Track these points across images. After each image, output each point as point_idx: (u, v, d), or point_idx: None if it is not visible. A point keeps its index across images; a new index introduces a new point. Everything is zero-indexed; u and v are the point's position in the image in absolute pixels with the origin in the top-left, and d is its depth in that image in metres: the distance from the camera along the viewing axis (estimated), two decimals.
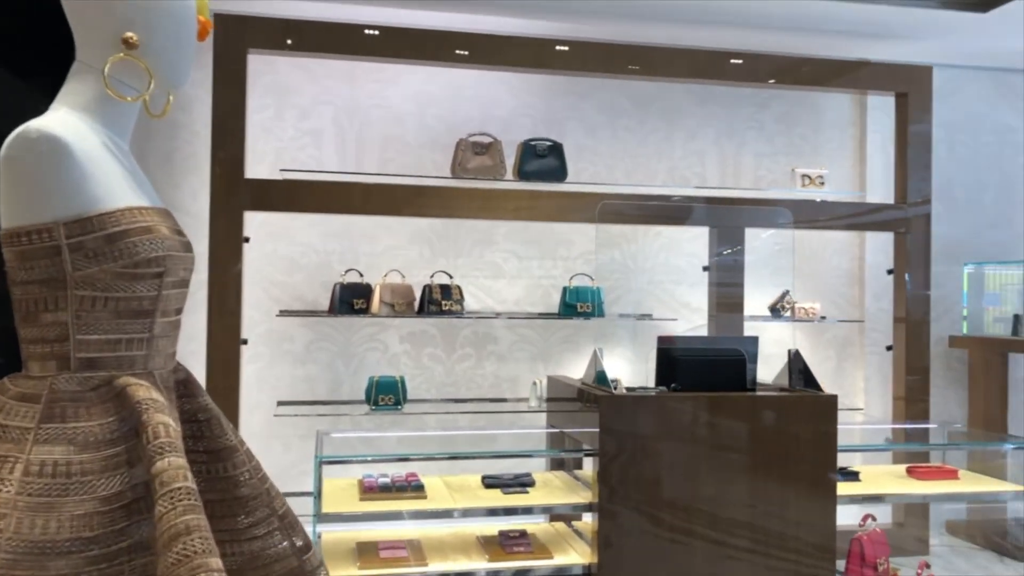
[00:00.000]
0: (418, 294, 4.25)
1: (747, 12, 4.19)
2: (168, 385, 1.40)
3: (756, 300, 4.54)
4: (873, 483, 3.61)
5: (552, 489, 3.34)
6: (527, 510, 3.16)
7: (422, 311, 4.22)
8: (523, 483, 3.31)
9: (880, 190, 4.99)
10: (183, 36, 1.41)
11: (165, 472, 1.17)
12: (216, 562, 1.12)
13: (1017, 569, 4.26)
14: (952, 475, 3.67)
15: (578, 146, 4.71)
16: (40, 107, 1.35)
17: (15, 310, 1.30)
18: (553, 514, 3.54)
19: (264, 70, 4.39)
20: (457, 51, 4.04)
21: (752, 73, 4.42)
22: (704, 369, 3.21)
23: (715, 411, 3.11)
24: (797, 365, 3.32)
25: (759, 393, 3.24)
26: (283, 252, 4.45)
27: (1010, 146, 5.27)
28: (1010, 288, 4.89)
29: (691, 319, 4.75)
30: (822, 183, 4.56)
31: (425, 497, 3.15)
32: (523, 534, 3.24)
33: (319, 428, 3.48)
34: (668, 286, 4.86)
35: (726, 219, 4.33)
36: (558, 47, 4.15)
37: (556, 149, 4.23)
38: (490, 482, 3.32)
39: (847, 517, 3.43)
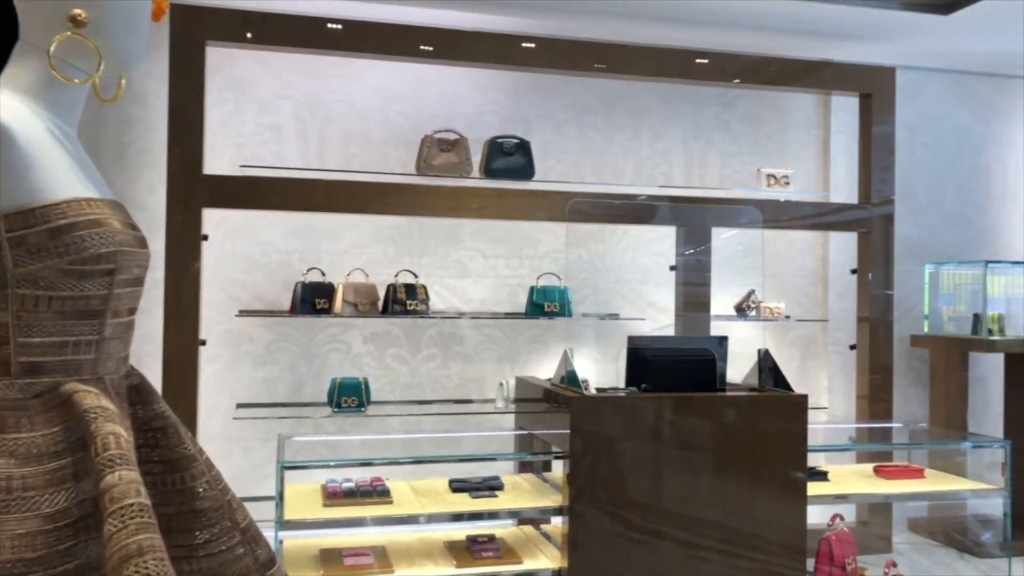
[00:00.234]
0: (382, 293, 4.16)
1: (713, 11, 4.18)
2: (120, 391, 1.30)
3: (722, 300, 4.53)
4: (842, 483, 3.61)
5: (521, 492, 3.28)
6: (495, 514, 3.10)
7: (386, 311, 4.13)
8: (492, 486, 3.25)
9: (844, 190, 5.02)
10: (136, 15, 1.32)
11: (115, 487, 1.08)
12: None
13: (976, 565, 4.31)
14: (919, 474, 3.69)
15: (545, 144, 4.66)
16: None
17: None
18: (521, 517, 3.49)
19: (223, 63, 4.26)
20: (422, 46, 3.96)
21: (718, 72, 4.41)
22: (675, 369, 3.18)
23: (687, 412, 3.08)
24: (767, 364, 3.31)
25: (731, 393, 3.22)
26: (243, 250, 4.33)
27: (969, 147, 5.35)
28: (964, 288, 4.95)
29: (658, 319, 4.72)
30: (787, 183, 4.56)
31: (391, 502, 3.08)
32: (491, 539, 3.17)
33: (280, 431, 3.40)
34: (635, 285, 4.84)
35: (694, 218, 4.31)
36: (524, 44, 4.09)
37: (523, 147, 4.18)
38: (458, 486, 3.25)
39: (815, 516, 3.43)
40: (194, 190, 3.68)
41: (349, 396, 4.04)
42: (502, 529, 3.43)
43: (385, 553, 3.09)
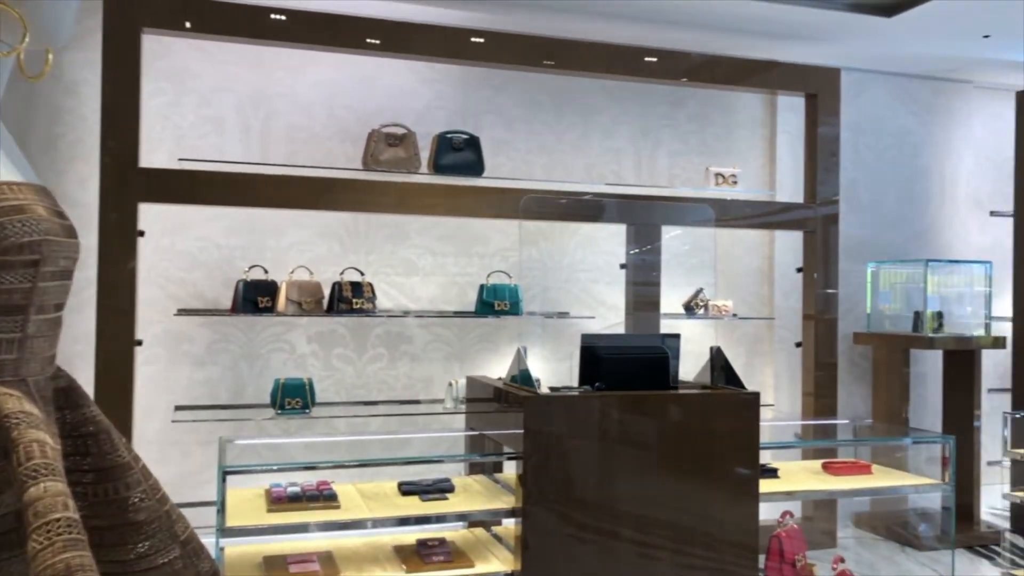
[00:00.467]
0: (327, 292, 4.05)
1: (662, 9, 4.18)
2: (46, 394, 1.19)
3: (671, 298, 4.53)
4: (792, 480, 3.63)
5: (472, 494, 3.21)
6: (445, 517, 3.03)
7: (331, 310, 4.02)
8: (442, 489, 3.17)
9: (789, 190, 5.08)
10: None
11: (40, 500, 0.98)
12: None
13: (917, 558, 4.40)
14: (866, 470, 3.74)
15: (495, 140, 4.60)
16: None
17: None
18: (472, 520, 3.42)
19: (160, 52, 4.10)
20: (369, 39, 3.87)
21: (667, 71, 4.41)
22: (628, 368, 3.15)
23: (641, 410, 3.05)
24: (719, 362, 3.30)
25: (685, 392, 3.21)
26: (181, 247, 4.17)
27: (910, 149, 5.46)
28: (904, 286, 5.05)
29: (608, 317, 4.71)
30: (735, 182, 4.59)
31: (338, 506, 2.98)
32: (442, 542, 3.10)
33: (221, 435, 3.27)
34: (585, 284, 4.81)
35: (644, 216, 4.30)
36: (473, 38, 4.03)
37: (473, 143, 4.11)
38: (407, 489, 3.17)
39: (765, 513, 3.44)
40: (129, 184, 3.52)
41: (293, 397, 3.92)
42: (453, 532, 3.36)
43: (332, 559, 2.99)
